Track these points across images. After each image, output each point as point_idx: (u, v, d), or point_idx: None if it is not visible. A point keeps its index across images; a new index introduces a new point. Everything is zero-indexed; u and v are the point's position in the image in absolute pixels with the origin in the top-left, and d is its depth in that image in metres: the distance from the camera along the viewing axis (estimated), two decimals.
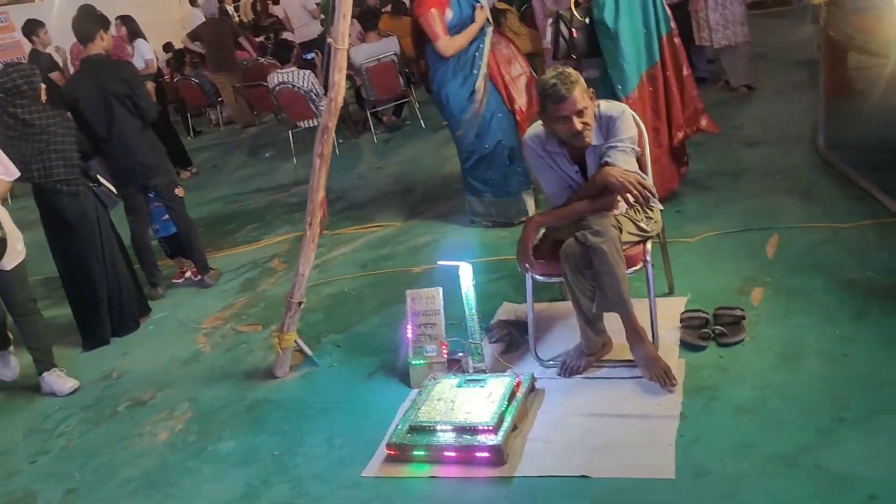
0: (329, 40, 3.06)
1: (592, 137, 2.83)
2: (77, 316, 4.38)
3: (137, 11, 9.59)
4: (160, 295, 4.84)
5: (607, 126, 2.84)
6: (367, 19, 7.66)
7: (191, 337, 4.26)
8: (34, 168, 3.95)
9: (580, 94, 2.72)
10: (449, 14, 4.32)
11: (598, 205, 2.83)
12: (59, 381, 3.86)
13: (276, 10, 15.08)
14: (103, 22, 4.40)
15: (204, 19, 11.82)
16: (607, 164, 2.80)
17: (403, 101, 7.84)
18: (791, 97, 5.93)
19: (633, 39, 4.05)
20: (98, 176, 4.41)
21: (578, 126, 2.73)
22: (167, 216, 4.82)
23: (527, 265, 2.98)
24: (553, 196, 3.01)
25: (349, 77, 9.40)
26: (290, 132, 7.77)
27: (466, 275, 3.13)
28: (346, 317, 4.04)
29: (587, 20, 4.18)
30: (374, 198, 5.93)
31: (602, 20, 4.02)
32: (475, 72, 4.37)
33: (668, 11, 4.11)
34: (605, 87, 4.11)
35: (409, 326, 3.28)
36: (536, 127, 2.98)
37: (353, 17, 9.81)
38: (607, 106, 2.90)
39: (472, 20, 4.35)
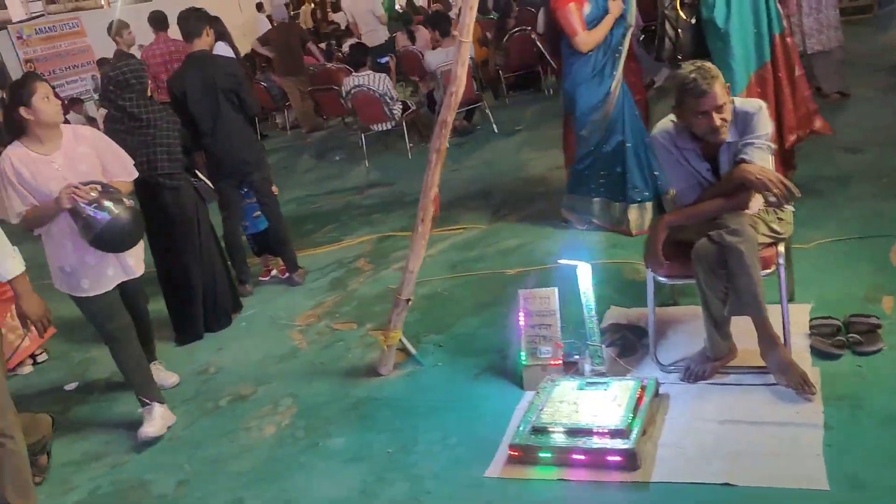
0: (454, 33, 3.02)
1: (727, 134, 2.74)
2: (172, 310, 4.40)
3: None
4: (248, 292, 4.85)
5: (743, 122, 2.74)
6: (441, 25, 7.66)
7: (284, 334, 4.26)
8: (139, 161, 3.96)
9: (720, 89, 2.64)
10: (587, 8, 4.20)
11: (732, 203, 2.74)
12: (161, 374, 3.88)
13: (336, 18, 15.30)
14: (208, 20, 4.45)
15: (269, 25, 12.04)
16: (744, 161, 2.71)
17: (475, 105, 7.80)
18: (885, 102, 5.74)
19: (742, 39, 3.94)
20: (197, 171, 4.44)
21: (717, 122, 2.65)
22: (257, 213, 4.84)
23: (656, 266, 2.88)
24: (681, 194, 2.92)
25: (415, 83, 9.44)
26: (362, 135, 7.78)
27: (585, 275, 3.05)
28: (443, 317, 3.99)
29: (693, 20, 4.10)
30: (454, 200, 5.87)
31: (712, 20, 3.92)
32: (614, 73, 4.23)
33: (781, 10, 3.99)
34: None
35: (521, 327, 3.21)
36: (665, 122, 2.90)
37: (422, 23, 9.76)
38: (742, 102, 2.81)
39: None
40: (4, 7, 15.47)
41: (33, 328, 2.99)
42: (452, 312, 4.03)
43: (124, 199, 3.19)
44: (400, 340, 3.54)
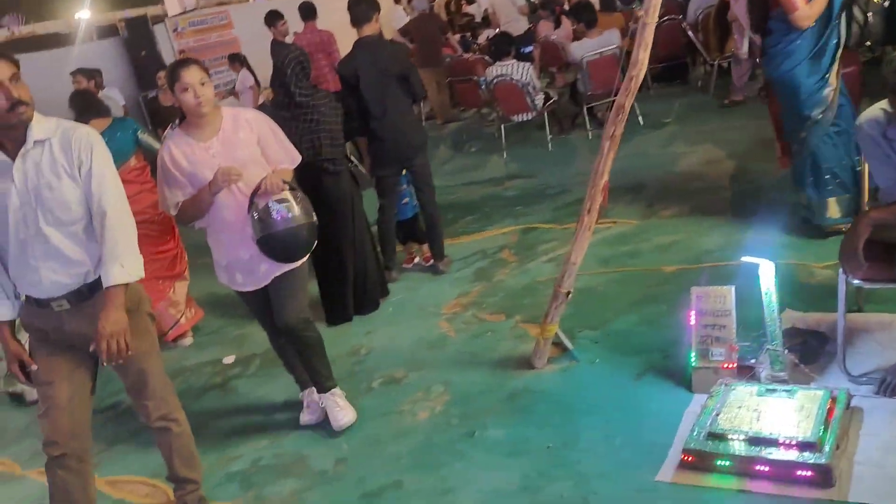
0: (639, 13, 2.88)
1: None
2: (323, 292, 4.50)
3: (335, 9, 9.92)
4: (395, 278, 4.90)
5: None
6: (585, 15, 7.45)
7: (432, 321, 4.26)
8: (304, 147, 4.06)
9: None
10: None
11: None
12: (336, 408, 3.33)
13: (470, 9, 15.30)
14: (378, 7, 4.50)
15: (404, 17, 12.18)
16: None
17: None
18: None
19: None
20: (351, 156, 4.52)
21: None
22: (406, 200, 4.88)
23: (855, 267, 2.64)
24: (888, 189, 2.66)
25: (552, 73, 9.29)
26: (501, 126, 7.72)
27: (768, 274, 2.85)
28: (598, 313, 3.86)
29: (886, 3, 3.76)
30: None
31: None
32: (834, 41, 3.77)
33: None
34: None
35: (692, 326, 3.04)
36: (874, 110, 2.65)
37: (564, 13, 9.49)
38: None
39: None
40: (162, 2, 16.57)
41: (106, 344, 2.38)
42: (608, 308, 3.89)
43: (312, 213, 3.02)
44: (556, 334, 3.45)
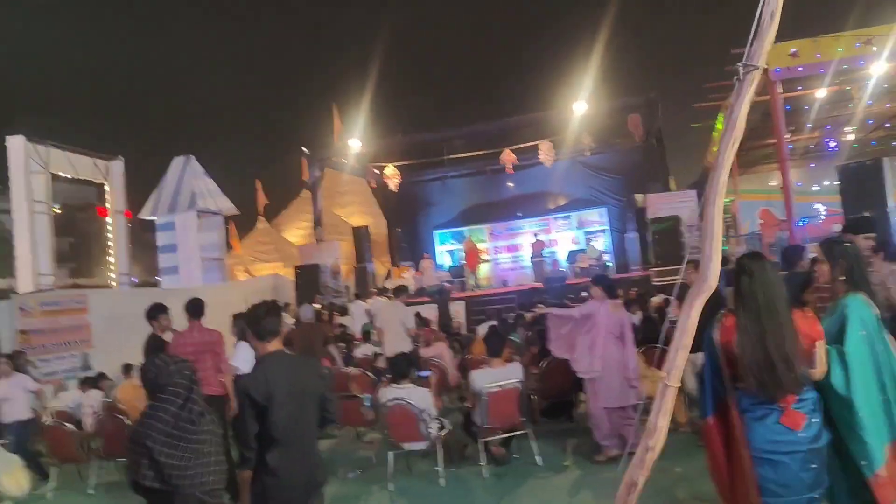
0: (662, 374, 2.69)
1: None
2: None
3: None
4: None
5: None
6: (493, 344, 7.45)
7: None
8: (188, 475, 3.41)
9: None
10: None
11: None
12: None
13: (343, 321, 15.35)
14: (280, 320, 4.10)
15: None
16: None
17: (517, 433, 7.30)
18: None
19: (870, 409, 3.69)
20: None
21: None
22: None
23: None
24: None
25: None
26: (390, 454, 7.14)
27: None
28: None
29: None
30: None
31: (831, 385, 3.69)
32: None
33: None
34: (843, 459, 3.70)
35: None
36: None
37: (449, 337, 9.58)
38: None
39: None
40: (12, 276, 15.57)
41: None
42: None
43: None
44: None
